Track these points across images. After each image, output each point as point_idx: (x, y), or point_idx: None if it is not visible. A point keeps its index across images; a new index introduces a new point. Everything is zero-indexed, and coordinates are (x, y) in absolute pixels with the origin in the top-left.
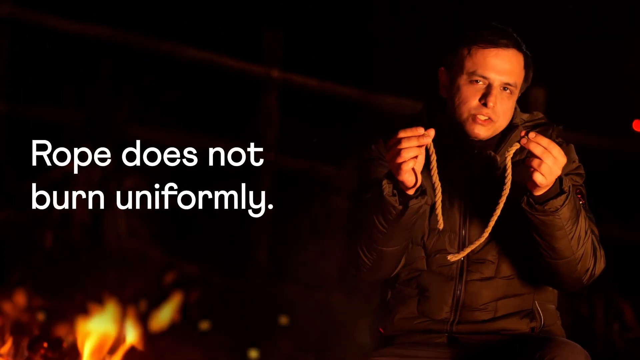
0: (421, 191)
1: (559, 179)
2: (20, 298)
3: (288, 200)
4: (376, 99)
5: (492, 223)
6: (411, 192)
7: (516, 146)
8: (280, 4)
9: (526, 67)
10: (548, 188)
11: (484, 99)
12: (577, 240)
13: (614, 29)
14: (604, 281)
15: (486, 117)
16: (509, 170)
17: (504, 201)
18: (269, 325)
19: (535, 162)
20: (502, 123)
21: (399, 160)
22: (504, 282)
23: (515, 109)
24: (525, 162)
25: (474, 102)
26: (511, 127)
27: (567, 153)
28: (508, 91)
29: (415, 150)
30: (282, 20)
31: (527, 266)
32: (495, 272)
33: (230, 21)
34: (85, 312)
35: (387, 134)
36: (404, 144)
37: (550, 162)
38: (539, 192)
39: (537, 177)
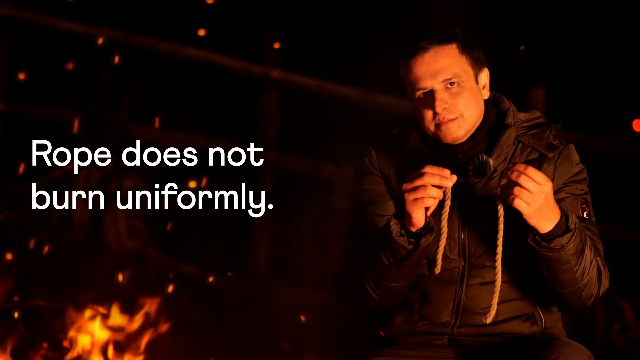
0: (428, 228)
1: (565, 217)
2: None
3: (288, 199)
4: (375, 99)
5: (499, 258)
6: (414, 229)
7: (503, 181)
8: (281, 5)
9: (464, 51)
10: (554, 226)
11: (432, 107)
12: (582, 272)
13: (612, 28)
14: None
15: (447, 119)
16: (500, 209)
17: (501, 236)
18: (269, 324)
19: (516, 190)
20: (470, 115)
21: (417, 195)
22: (505, 286)
23: (509, 109)
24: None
25: (429, 113)
26: (502, 128)
27: (568, 155)
28: (455, 85)
29: (435, 190)
30: (282, 21)
31: (528, 270)
32: (496, 276)
33: (231, 22)
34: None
35: (378, 144)
36: (426, 179)
37: (531, 186)
38: (545, 230)
39: (517, 202)
